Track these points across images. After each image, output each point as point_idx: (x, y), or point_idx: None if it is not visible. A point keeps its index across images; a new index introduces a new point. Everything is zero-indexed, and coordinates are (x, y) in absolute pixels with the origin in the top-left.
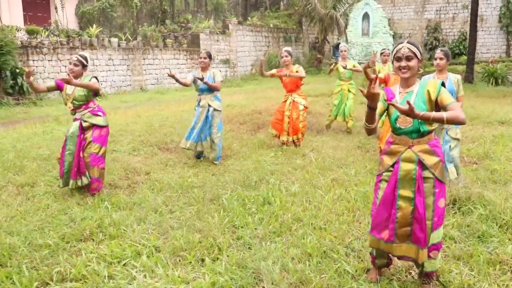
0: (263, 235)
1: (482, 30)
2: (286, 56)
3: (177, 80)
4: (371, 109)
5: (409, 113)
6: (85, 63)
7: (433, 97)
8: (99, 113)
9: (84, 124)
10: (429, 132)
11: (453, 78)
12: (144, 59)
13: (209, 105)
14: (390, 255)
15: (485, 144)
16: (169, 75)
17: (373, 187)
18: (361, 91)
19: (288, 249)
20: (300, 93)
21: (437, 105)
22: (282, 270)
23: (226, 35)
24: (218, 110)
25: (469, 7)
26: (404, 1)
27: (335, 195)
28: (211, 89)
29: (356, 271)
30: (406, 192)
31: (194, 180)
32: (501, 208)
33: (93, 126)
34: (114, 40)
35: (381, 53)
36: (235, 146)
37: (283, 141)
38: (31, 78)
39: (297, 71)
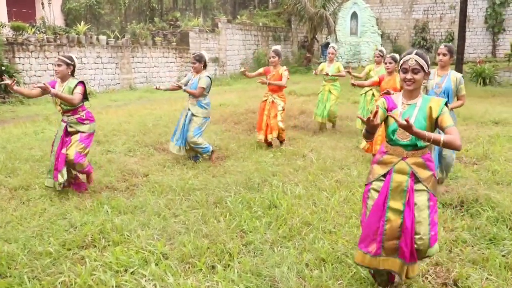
0: (273, 240)
1: (469, 31)
2: (273, 57)
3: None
4: (369, 132)
5: (407, 129)
6: (68, 62)
7: (434, 115)
8: (86, 121)
9: (70, 129)
10: (425, 146)
11: (453, 77)
12: (133, 57)
13: (189, 109)
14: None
15: (483, 145)
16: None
17: (363, 195)
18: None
19: (300, 255)
20: (281, 94)
21: (436, 123)
22: (298, 277)
23: (215, 33)
24: (196, 116)
25: (456, 7)
26: (392, 1)
27: (340, 198)
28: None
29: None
30: (396, 204)
31: (195, 182)
32: (510, 210)
33: (79, 132)
34: (103, 37)
35: (375, 54)
36: (233, 146)
37: (259, 139)
38: (15, 87)
39: (281, 75)
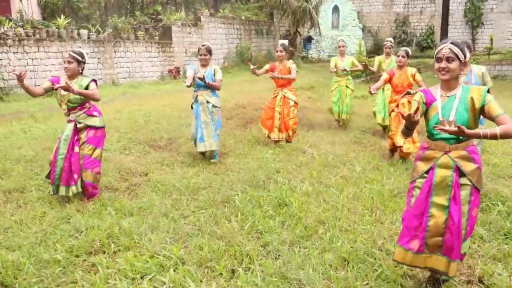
0: (291, 240)
1: (449, 25)
2: (280, 51)
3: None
4: (409, 129)
5: (461, 135)
6: (79, 59)
7: (477, 105)
8: (95, 113)
9: (79, 126)
10: (468, 139)
11: (477, 71)
12: (115, 52)
13: (208, 102)
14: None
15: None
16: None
17: (407, 193)
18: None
19: (322, 255)
20: (291, 88)
21: (483, 113)
22: (324, 279)
23: (198, 27)
24: (216, 107)
25: (436, 1)
26: None
27: (349, 194)
28: (211, 80)
29: (398, 277)
30: (440, 200)
31: (198, 181)
32: None
33: (88, 127)
34: (84, 32)
35: (384, 45)
36: (230, 142)
37: (274, 138)
38: (24, 82)
39: (289, 69)
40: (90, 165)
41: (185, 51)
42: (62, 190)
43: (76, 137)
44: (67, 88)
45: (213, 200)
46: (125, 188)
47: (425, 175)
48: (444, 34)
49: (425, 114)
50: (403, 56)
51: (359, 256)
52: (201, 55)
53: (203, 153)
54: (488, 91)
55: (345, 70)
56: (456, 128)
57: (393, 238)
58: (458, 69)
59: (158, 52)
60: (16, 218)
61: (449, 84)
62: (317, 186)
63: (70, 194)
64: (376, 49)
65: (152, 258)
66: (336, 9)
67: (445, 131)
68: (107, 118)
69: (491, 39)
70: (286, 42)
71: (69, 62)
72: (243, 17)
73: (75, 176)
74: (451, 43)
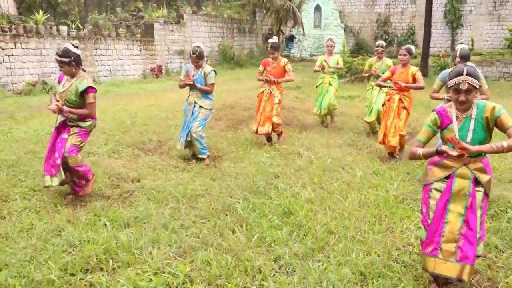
0: (303, 253)
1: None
2: (272, 49)
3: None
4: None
5: (468, 153)
6: (67, 60)
7: (491, 124)
8: (87, 119)
9: (69, 123)
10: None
11: None
12: (96, 49)
13: (195, 102)
14: None
15: None
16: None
17: (421, 199)
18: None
19: (337, 269)
20: (279, 86)
21: (496, 125)
22: None
23: (180, 25)
24: (204, 108)
25: (417, 2)
26: None
27: (354, 201)
28: (201, 84)
29: None
30: (457, 208)
31: (195, 187)
32: None
33: (79, 127)
34: (63, 28)
35: (375, 50)
36: (223, 145)
37: (253, 130)
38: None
39: (283, 68)
40: (73, 152)
41: (167, 49)
42: (47, 180)
43: (66, 131)
44: (60, 111)
45: (214, 209)
46: (117, 196)
47: (445, 180)
48: (427, 34)
49: (442, 135)
50: (404, 54)
51: (377, 270)
52: (192, 60)
53: (194, 154)
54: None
55: (323, 67)
56: (458, 152)
57: (408, 249)
58: (475, 96)
59: (140, 50)
60: (0, 232)
61: (465, 108)
62: (319, 192)
63: (51, 184)
64: (358, 49)
65: (156, 275)
66: (318, 8)
67: (454, 156)
68: None
69: (472, 40)
70: (276, 40)
71: (61, 67)
72: (225, 15)
73: (58, 160)
74: (467, 74)
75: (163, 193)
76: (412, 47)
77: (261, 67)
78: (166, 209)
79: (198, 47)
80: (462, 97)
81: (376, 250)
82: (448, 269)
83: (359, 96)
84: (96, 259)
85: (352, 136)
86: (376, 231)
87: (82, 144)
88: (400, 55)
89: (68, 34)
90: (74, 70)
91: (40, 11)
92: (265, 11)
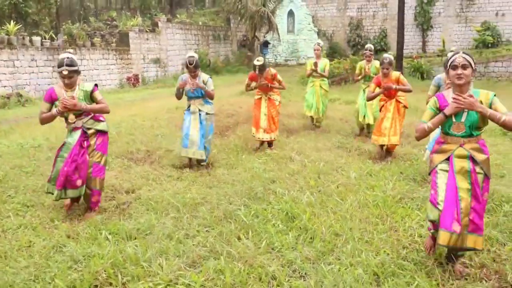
0: (314, 257)
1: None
2: (260, 73)
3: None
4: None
5: (472, 105)
6: (77, 68)
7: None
8: (101, 118)
9: (89, 132)
10: (479, 134)
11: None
12: None
13: (200, 110)
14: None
15: None
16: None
17: (431, 179)
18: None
19: (351, 271)
20: (275, 91)
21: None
22: None
23: (156, 33)
24: (210, 114)
25: (388, 5)
26: None
27: (353, 203)
28: (200, 94)
29: (434, 287)
30: (464, 184)
31: (194, 196)
32: None
33: (97, 132)
34: (37, 39)
35: (364, 54)
36: (214, 152)
37: (258, 138)
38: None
39: (271, 77)
40: (99, 172)
41: (143, 58)
42: (57, 194)
43: (86, 144)
44: (73, 106)
45: (216, 217)
46: (114, 208)
47: (447, 161)
48: (401, 36)
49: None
50: (387, 68)
51: (389, 269)
52: (190, 70)
53: (190, 160)
54: (494, 95)
55: (313, 71)
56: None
57: (414, 247)
58: (470, 75)
59: (116, 59)
60: None
61: (462, 89)
62: (318, 195)
63: (64, 196)
64: (332, 53)
65: (170, 287)
66: (291, 13)
67: (459, 108)
68: None
69: (443, 41)
70: (261, 62)
71: (69, 77)
72: (200, 23)
73: (79, 182)
74: (463, 53)
75: (162, 203)
76: (391, 57)
77: (248, 81)
78: (168, 219)
79: (193, 57)
80: (459, 71)
81: (385, 250)
82: (463, 240)
83: (339, 99)
84: (105, 274)
85: (340, 138)
86: (380, 231)
87: (105, 159)
88: (383, 68)
89: (42, 45)
90: (77, 79)
91: (12, 21)
92: (239, 18)
